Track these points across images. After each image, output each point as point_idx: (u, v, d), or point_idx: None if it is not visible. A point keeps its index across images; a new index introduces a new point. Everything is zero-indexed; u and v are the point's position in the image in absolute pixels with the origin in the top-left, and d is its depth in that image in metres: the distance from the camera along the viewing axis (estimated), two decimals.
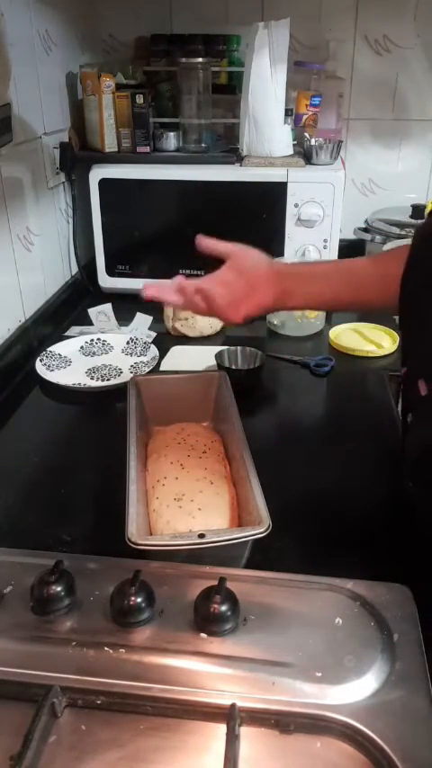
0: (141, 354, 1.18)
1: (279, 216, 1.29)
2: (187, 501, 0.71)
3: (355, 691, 0.50)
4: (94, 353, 1.19)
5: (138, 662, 0.52)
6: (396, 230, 1.39)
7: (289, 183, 1.26)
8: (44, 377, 1.08)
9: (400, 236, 1.37)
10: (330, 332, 1.23)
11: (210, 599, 0.54)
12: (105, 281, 1.41)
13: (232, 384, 0.90)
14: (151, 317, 1.28)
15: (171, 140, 1.34)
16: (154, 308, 1.29)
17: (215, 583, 0.55)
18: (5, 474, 0.87)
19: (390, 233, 1.40)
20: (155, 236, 1.35)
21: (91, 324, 1.26)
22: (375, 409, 1.02)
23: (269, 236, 1.30)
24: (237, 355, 1.09)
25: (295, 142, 1.34)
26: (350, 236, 1.47)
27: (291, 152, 1.31)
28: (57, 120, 1.31)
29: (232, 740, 0.47)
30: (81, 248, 1.44)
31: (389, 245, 1.30)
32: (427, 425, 0.65)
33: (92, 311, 1.26)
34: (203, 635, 0.54)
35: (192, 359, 1.15)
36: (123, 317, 1.27)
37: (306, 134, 1.35)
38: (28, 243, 1.20)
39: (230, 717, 0.48)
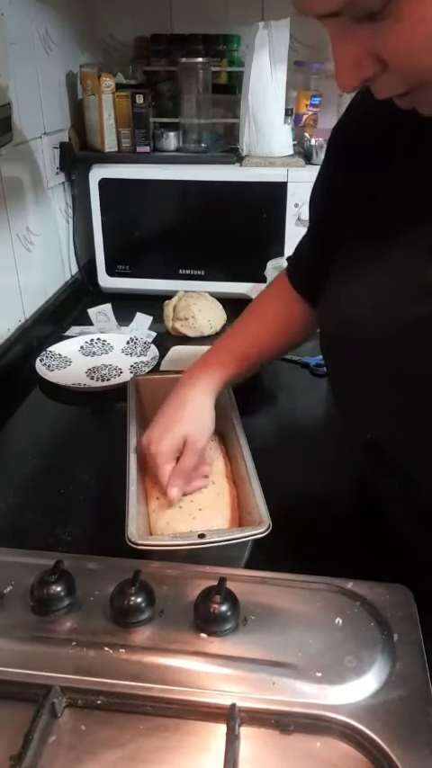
0: (141, 354, 1.17)
1: (279, 216, 1.28)
2: (187, 501, 0.71)
3: (355, 691, 0.50)
4: (94, 353, 1.19)
5: (138, 662, 0.52)
6: None
7: (289, 183, 1.26)
8: (44, 377, 1.08)
9: None
10: None
11: (210, 599, 0.54)
12: (105, 281, 1.41)
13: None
14: (151, 317, 1.28)
15: (171, 140, 1.34)
16: (154, 307, 1.30)
17: (215, 583, 0.54)
18: (5, 474, 0.87)
19: None
20: (155, 236, 1.35)
21: (91, 324, 1.26)
22: None
23: (269, 236, 1.30)
24: None
25: (295, 142, 1.35)
26: None
27: (291, 152, 1.31)
28: (57, 120, 1.31)
29: (232, 740, 0.46)
30: (81, 248, 1.44)
31: None
32: (374, 468, 0.66)
33: (92, 311, 1.26)
34: (203, 635, 0.54)
35: (192, 359, 1.15)
36: (123, 317, 1.27)
37: (306, 134, 1.35)
38: (28, 243, 1.20)
39: (230, 717, 0.48)
